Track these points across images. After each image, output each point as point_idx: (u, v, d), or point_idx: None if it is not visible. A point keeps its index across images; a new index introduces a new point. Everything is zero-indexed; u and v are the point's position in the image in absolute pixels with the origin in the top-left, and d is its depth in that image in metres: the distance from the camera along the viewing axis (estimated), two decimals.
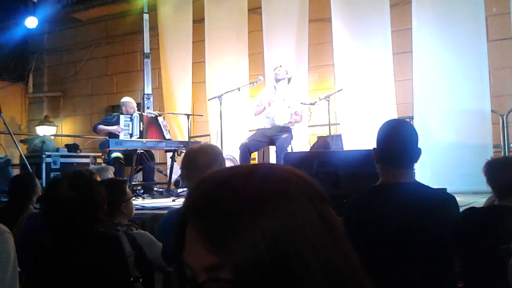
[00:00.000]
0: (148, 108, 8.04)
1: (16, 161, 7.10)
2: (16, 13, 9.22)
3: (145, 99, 8.36)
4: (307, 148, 6.56)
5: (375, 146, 2.02)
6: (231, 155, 6.08)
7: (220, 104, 5.68)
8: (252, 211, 0.57)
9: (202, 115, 7.60)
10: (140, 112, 6.69)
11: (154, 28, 8.40)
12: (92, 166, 5.40)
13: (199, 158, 2.21)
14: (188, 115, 6.77)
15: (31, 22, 8.64)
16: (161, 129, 6.52)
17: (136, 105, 6.76)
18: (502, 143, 5.55)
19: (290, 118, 5.58)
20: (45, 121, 10.21)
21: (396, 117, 5.72)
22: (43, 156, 6.46)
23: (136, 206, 4.57)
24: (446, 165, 5.14)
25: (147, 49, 8.46)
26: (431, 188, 2.01)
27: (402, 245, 1.79)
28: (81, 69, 10.57)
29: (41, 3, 9.44)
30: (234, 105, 6.76)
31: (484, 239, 2.20)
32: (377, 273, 0.64)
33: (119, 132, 6.33)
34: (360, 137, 5.78)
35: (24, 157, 6.22)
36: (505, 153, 5.41)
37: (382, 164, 1.97)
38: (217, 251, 0.56)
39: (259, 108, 5.73)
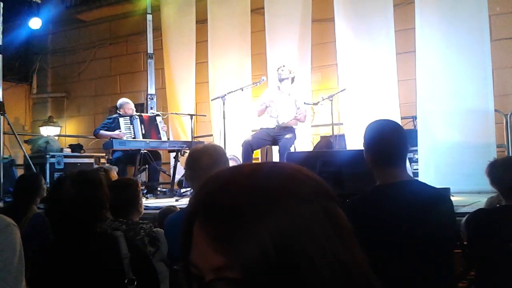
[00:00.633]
0: (151, 108, 8.05)
1: (20, 161, 7.13)
2: (20, 14, 9.22)
3: (148, 99, 8.38)
4: (310, 148, 6.56)
5: (363, 148, 2.03)
6: (234, 155, 6.09)
7: (223, 104, 5.68)
8: (259, 210, 0.57)
9: (205, 115, 7.61)
10: (139, 114, 6.65)
11: (157, 28, 8.41)
12: (107, 165, 5.39)
13: (202, 158, 2.22)
14: (191, 115, 6.79)
15: (35, 23, 8.65)
16: (158, 129, 6.49)
17: (134, 105, 6.71)
18: (505, 143, 5.54)
19: (296, 112, 5.57)
20: (49, 121, 10.23)
21: (399, 117, 5.72)
22: (47, 156, 6.49)
23: None
24: (449, 165, 5.13)
25: (150, 50, 8.48)
26: (426, 185, 2.02)
27: (403, 245, 1.79)
28: (85, 69, 10.60)
29: (45, 4, 9.44)
30: (237, 105, 6.76)
31: (492, 238, 2.20)
32: (378, 273, 0.64)
33: (121, 138, 6.25)
34: (363, 137, 5.76)
35: (28, 157, 6.24)
36: (508, 152, 5.39)
37: (377, 166, 1.97)
38: (224, 250, 0.56)
39: (261, 107, 5.74)
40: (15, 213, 3.31)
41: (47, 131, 9.77)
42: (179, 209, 3.24)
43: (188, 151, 6.09)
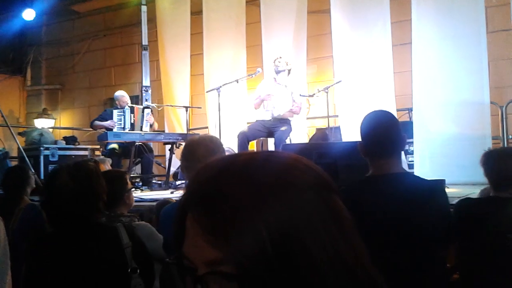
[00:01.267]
0: (146, 100, 8.02)
1: (14, 153, 7.09)
2: (14, 5, 9.15)
3: (143, 91, 8.34)
4: (305, 140, 6.55)
5: (360, 141, 2.02)
6: (230, 147, 6.07)
7: (219, 96, 5.66)
8: (255, 202, 0.54)
9: (200, 107, 7.59)
10: (131, 105, 6.68)
11: (152, 20, 8.36)
12: (101, 157, 5.40)
13: (198, 150, 2.20)
14: (186, 108, 6.77)
15: (28, 14, 8.59)
16: (142, 120, 6.48)
17: (129, 98, 6.75)
18: (501, 135, 5.55)
19: (292, 104, 5.56)
20: (43, 113, 10.18)
21: (395, 109, 5.72)
22: (41, 148, 6.46)
23: (135, 198, 4.58)
24: (445, 156, 5.13)
25: (145, 41, 8.43)
26: (419, 177, 2.01)
27: (391, 236, 1.78)
28: (79, 61, 10.54)
29: None
30: (232, 97, 6.74)
31: (479, 230, 2.19)
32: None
33: (112, 127, 6.36)
34: (358, 129, 5.76)
35: (22, 149, 6.20)
36: (504, 144, 5.40)
37: (369, 156, 1.97)
38: (219, 243, 0.54)
39: (257, 101, 5.73)
40: (6, 206, 3.31)
41: (41, 123, 9.73)
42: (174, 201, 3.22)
43: (183, 143, 6.08)
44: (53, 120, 10.27)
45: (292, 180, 0.57)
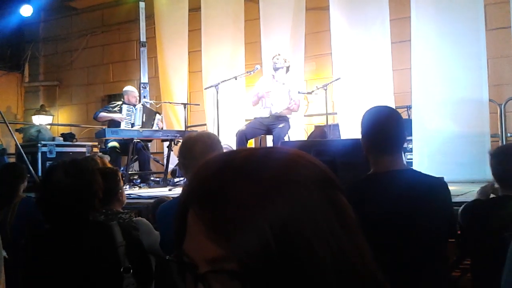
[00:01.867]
0: (144, 97, 8.00)
1: (12, 150, 7.07)
2: (11, 1, 9.11)
3: (141, 88, 8.32)
4: (304, 138, 6.54)
5: (360, 137, 2.00)
6: (228, 144, 6.06)
7: (217, 93, 5.65)
8: (258, 198, 0.53)
9: (198, 104, 7.56)
10: (143, 104, 6.72)
11: (150, 16, 8.32)
12: (100, 154, 5.39)
13: (196, 147, 2.19)
14: (184, 104, 6.75)
15: (26, 11, 8.56)
16: (152, 124, 6.51)
17: (138, 95, 6.76)
18: (499, 133, 5.54)
19: (289, 103, 5.55)
20: (41, 110, 10.15)
21: (393, 106, 5.70)
22: (39, 145, 6.42)
23: (133, 195, 4.58)
24: (443, 154, 5.12)
25: (143, 38, 8.40)
26: (423, 174, 1.98)
27: (396, 234, 1.77)
28: (77, 58, 10.50)
29: None
30: (230, 94, 6.72)
31: (488, 229, 2.18)
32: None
33: (121, 120, 6.34)
34: (357, 127, 5.72)
35: (19, 146, 6.18)
36: (502, 142, 5.39)
37: (371, 153, 1.95)
38: (221, 241, 0.53)
39: (255, 98, 5.72)
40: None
41: (39, 120, 9.69)
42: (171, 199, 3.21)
43: (181, 140, 6.07)
44: (51, 117, 10.24)
45: (294, 176, 0.56)
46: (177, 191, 5.09)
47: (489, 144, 5.00)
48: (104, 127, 6.43)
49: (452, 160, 4.96)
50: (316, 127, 6.87)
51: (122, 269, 1.82)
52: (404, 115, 6.19)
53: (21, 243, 2.01)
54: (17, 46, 11.05)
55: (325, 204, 0.56)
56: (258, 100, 5.70)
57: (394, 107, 5.68)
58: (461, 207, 2.42)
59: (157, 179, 6.65)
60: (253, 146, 6.13)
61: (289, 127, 5.65)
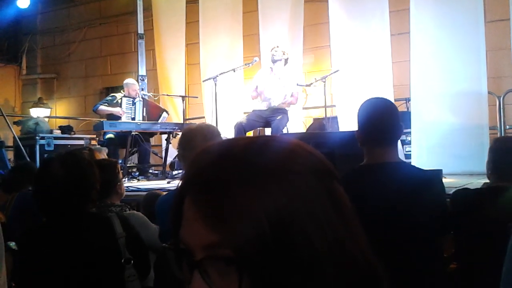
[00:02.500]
0: (142, 89, 7.97)
1: (9, 143, 7.06)
2: None
3: (139, 80, 8.28)
4: (302, 130, 6.53)
5: (357, 129, 1.99)
6: (226, 137, 6.05)
7: (215, 85, 5.63)
8: (256, 186, 0.53)
9: (197, 97, 7.54)
10: (143, 97, 6.67)
11: (148, 8, 8.28)
12: (97, 147, 5.37)
13: (196, 138, 2.19)
14: (183, 97, 6.73)
15: (23, 2, 8.50)
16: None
17: (138, 88, 6.71)
18: (498, 125, 5.54)
19: (283, 99, 5.55)
20: (39, 103, 10.13)
21: (392, 99, 5.69)
22: (37, 138, 6.41)
23: (131, 188, 4.58)
24: (442, 146, 5.13)
25: (141, 30, 8.35)
26: (416, 167, 1.97)
27: (385, 226, 1.76)
28: (75, 50, 10.46)
29: None
30: (229, 87, 6.70)
31: (478, 219, 2.18)
32: None
33: (121, 115, 6.29)
34: (356, 119, 5.73)
35: (17, 139, 6.17)
36: (501, 135, 5.40)
37: (366, 145, 1.94)
38: (216, 228, 0.53)
39: (254, 93, 5.74)
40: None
41: (37, 112, 9.67)
42: (164, 193, 3.20)
43: (180, 133, 6.06)
44: (49, 109, 10.22)
45: (292, 166, 0.56)
46: (175, 183, 5.09)
47: (487, 137, 5.00)
48: (102, 119, 6.40)
49: (451, 153, 4.96)
50: (315, 119, 6.86)
51: (123, 261, 1.82)
52: (403, 108, 6.18)
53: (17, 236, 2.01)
54: (14, 38, 11.00)
55: (322, 194, 0.57)
56: (258, 96, 5.71)
57: (393, 99, 5.67)
58: (451, 193, 2.42)
59: (156, 171, 6.65)
60: None
61: (288, 120, 5.64)
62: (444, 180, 4.05)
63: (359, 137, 1.96)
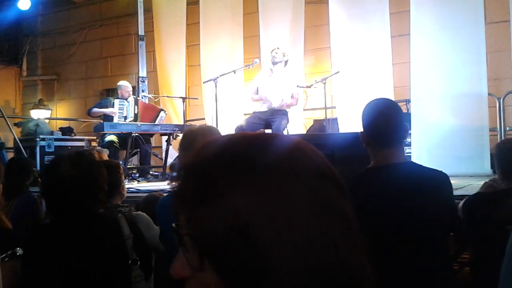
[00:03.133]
0: (143, 91, 7.98)
1: (10, 144, 7.06)
2: None
3: (139, 82, 8.29)
4: (303, 132, 6.53)
5: (361, 130, 1.98)
6: None
7: (215, 87, 5.64)
8: (230, 183, 0.54)
9: (197, 98, 7.55)
10: (135, 97, 6.70)
11: (149, 10, 8.29)
12: (98, 148, 5.38)
13: (196, 140, 2.19)
14: (183, 98, 6.74)
15: (24, 4, 8.51)
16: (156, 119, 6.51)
17: (131, 89, 6.75)
18: (498, 126, 5.54)
19: (281, 102, 5.56)
20: (39, 104, 10.13)
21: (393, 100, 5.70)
22: (37, 139, 6.42)
23: (132, 189, 4.58)
24: (442, 148, 5.13)
25: (141, 32, 8.35)
26: (424, 167, 1.95)
27: (396, 228, 1.76)
28: (75, 52, 10.47)
29: None
30: (229, 88, 6.71)
31: (490, 222, 2.17)
32: (371, 255, 0.60)
33: (113, 114, 6.32)
34: (356, 121, 5.72)
35: (18, 140, 6.18)
36: (501, 136, 5.40)
37: (371, 146, 1.92)
38: (196, 208, 0.55)
39: (256, 96, 5.75)
40: (6, 196, 3.30)
41: (37, 114, 9.67)
42: (163, 195, 3.21)
43: (180, 135, 6.07)
44: (49, 111, 10.22)
45: (280, 166, 0.56)
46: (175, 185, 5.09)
47: (488, 138, 5.01)
48: (101, 121, 6.42)
49: (451, 154, 4.96)
50: (315, 121, 6.87)
51: (130, 261, 1.82)
52: (403, 109, 6.18)
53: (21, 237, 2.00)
54: (15, 39, 11.01)
55: (310, 201, 0.55)
56: (258, 98, 5.72)
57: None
58: (462, 201, 2.41)
59: (156, 173, 6.65)
60: None
61: (288, 121, 5.65)
62: None
63: (364, 138, 1.94)
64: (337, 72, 5.85)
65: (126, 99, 6.53)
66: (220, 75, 5.72)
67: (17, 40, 11.06)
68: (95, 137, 7.05)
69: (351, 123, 5.86)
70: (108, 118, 6.34)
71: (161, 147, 7.48)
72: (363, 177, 1.93)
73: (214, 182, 0.55)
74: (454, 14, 5.33)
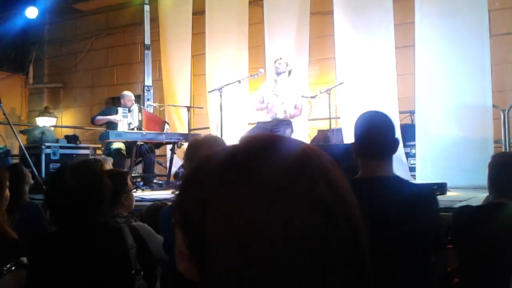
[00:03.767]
0: (148, 100, 8.02)
1: (15, 152, 7.09)
2: (16, 2, 9.16)
3: (145, 91, 8.34)
4: (307, 142, 6.53)
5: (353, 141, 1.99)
6: None
7: (220, 96, 5.66)
8: (216, 183, 0.56)
9: (202, 108, 7.58)
10: (139, 105, 6.71)
11: (155, 19, 8.35)
12: (102, 157, 5.39)
13: (201, 150, 2.20)
14: (188, 107, 6.76)
15: (31, 12, 8.59)
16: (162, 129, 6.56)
17: (134, 98, 6.77)
18: (503, 139, 5.52)
19: (284, 113, 5.56)
20: (45, 112, 10.17)
21: (397, 111, 5.70)
22: (43, 147, 6.45)
23: (136, 198, 4.57)
24: (446, 160, 5.12)
25: (147, 41, 8.42)
26: (409, 182, 1.96)
27: (378, 240, 1.75)
28: (82, 60, 10.54)
29: None
30: (234, 98, 6.74)
31: (480, 236, 2.18)
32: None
33: (117, 121, 6.32)
34: None
35: (23, 148, 6.20)
36: (505, 148, 5.37)
37: (360, 157, 1.93)
38: (188, 190, 0.60)
39: (261, 105, 5.75)
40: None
41: (43, 121, 9.71)
42: (168, 204, 3.21)
43: (184, 144, 6.09)
44: (55, 119, 10.26)
45: (272, 180, 0.54)
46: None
47: (492, 150, 4.99)
48: (106, 129, 6.44)
49: (455, 166, 4.95)
50: (319, 131, 6.87)
51: (133, 271, 1.82)
52: (408, 120, 6.19)
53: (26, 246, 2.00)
54: (21, 47, 11.09)
55: (304, 226, 0.52)
56: (263, 108, 5.73)
57: (397, 112, 5.69)
58: (452, 212, 2.42)
59: (160, 182, 6.66)
60: None
61: (292, 131, 5.66)
62: (448, 193, 4.06)
63: (354, 149, 1.96)
64: (341, 83, 5.87)
65: (129, 108, 6.55)
66: (225, 85, 5.74)
67: (24, 48, 11.14)
68: (100, 145, 7.08)
69: None
70: (112, 126, 6.35)
71: (165, 155, 7.50)
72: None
73: (209, 198, 0.56)
74: (459, 26, 5.35)
